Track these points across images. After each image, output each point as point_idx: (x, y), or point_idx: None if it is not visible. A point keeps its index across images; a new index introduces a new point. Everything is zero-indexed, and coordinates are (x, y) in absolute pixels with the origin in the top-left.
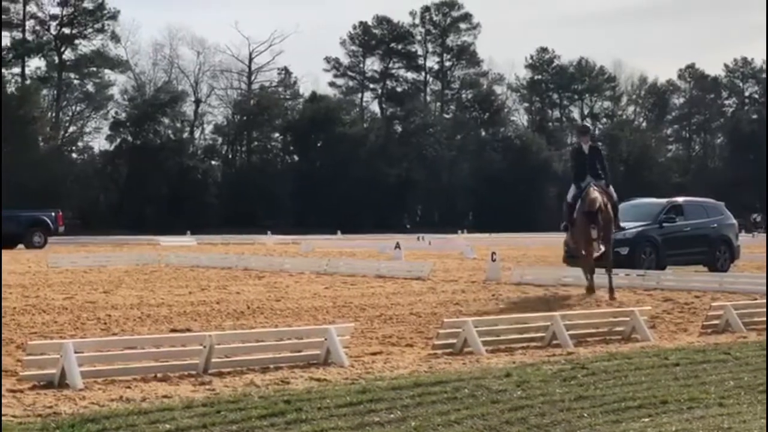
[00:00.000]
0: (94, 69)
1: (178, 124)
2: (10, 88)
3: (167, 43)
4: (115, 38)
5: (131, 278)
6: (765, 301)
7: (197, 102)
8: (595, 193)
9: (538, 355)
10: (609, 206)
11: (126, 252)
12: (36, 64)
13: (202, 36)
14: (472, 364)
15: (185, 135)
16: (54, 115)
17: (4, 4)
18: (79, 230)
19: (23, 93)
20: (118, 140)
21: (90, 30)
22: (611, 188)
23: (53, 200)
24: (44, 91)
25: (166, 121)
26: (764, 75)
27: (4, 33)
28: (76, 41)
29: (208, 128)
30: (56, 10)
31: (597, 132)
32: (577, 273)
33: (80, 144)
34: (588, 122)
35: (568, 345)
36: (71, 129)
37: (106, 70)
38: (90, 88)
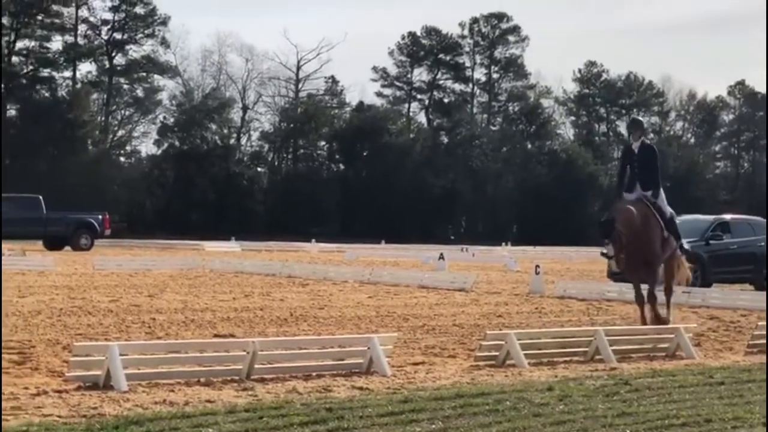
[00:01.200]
0: (144, 74)
1: (225, 131)
2: (61, 92)
3: (216, 50)
4: (165, 44)
5: (176, 282)
6: None
7: (245, 108)
8: (624, 206)
9: (580, 370)
10: (649, 221)
11: (171, 256)
12: (87, 68)
13: (251, 43)
14: (514, 376)
15: (232, 141)
16: (103, 119)
17: (56, 7)
18: (125, 233)
19: (74, 97)
20: (166, 145)
21: (140, 35)
22: (662, 198)
23: (100, 203)
24: (94, 95)
25: (214, 127)
26: None
27: (56, 37)
28: (127, 46)
29: (255, 135)
30: (108, 15)
31: None
32: (621, 288)
33: (128, 148)
34: (641, 118)
35: (611, 360)
36: (120, 133)
37: (156, 76)
38: (139, 92)
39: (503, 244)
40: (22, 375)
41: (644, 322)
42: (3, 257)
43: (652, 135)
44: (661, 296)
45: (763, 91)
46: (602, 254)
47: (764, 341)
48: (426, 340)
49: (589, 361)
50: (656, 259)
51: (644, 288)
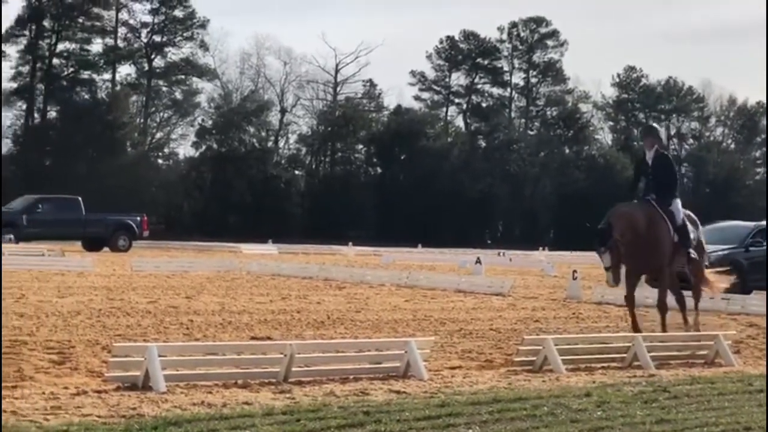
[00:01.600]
0: (183, 76)
1: (263, 133)
2: (101, 94)
3: (254, 53)
4: (203, 47)
5: (213, 284)
6: None
7: (282, 111)
8: (624, 209)
9: (618, 376)
10: (657, 224)
11: (208, 258)
12: (126, 70)
13: (289, 46)
14: (551, 382)
15: (270, 144)
16: (142, 121)
17: (96, 10)
18: (162, 235)
19: (113, 99)
20: (204, 147)
21: (179, 38)
22: (676, 205)
23: (138, 205)
24: (133, 98)
25: (252, 129)
26: None
27: (96, 40)
28: (166, 49)
29: (293, 138)
30: (147, 18)
31: (684, 153)
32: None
33: (166, 150)
34: (656, 125)
35: (649, 367)
36: (158, 135)
37: (194, 78)
38: (178, 95)
39: (540, 248)
40: (62, 375)
41: (636, 329)
42: (43, 257)
43: (692, 140)
44: (689, 301)
45: None
46: (604, 267)
47: None
48: (463, 345)
49: (627, 368)
50: (665, 264)
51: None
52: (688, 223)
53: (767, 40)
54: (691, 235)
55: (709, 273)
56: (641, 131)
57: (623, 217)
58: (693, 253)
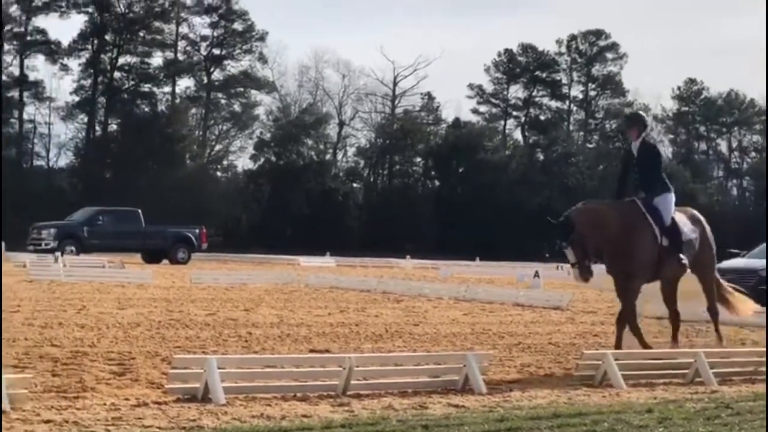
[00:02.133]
0: (241, 89)
1: (321, 146)
2: (161, 107)
3: (313, 66)
4: (262, 59)
5: (271, 297)
6: None
7: (341, 124)
8: (589, 205)
9: (680, 392)
10: (636, 225)
11: (266, 271)
12: (186, 83)
13: (348, 59)
14: (611, 397)
15: (328, 157)
16: (201, 133)
17: (157, 24)
18: (220, 247)
19: (173, 112)
20: (262, 160)
21: (238, 51)
22: (666, 202)
23: (198, 217)
24: (193, 110)
25: (310, 142)
26: None
27: (157, 53)
28: (225, 62)
29: (351, 150)
30: (207, 32)
31: (745, 166)
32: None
33: (225, 163)
34: (641, 112)
35: (711, 383)
36: (217, 148)
37: (253, 91)
38: (236, 107)
39: (598, 262)
40: (122, 386)
41: (618, 345)
42: (103, 269)
43: (754, 153)
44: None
45: None
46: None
47: None
48: (522, 359)
49: (689, 384)
50: (638, 270)
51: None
52: (685, 224)
53: (767, 40)
54: (691, 236)
55: (730, 292)
56: (625, 120)
57: (587, 212)
58: (683, 259)
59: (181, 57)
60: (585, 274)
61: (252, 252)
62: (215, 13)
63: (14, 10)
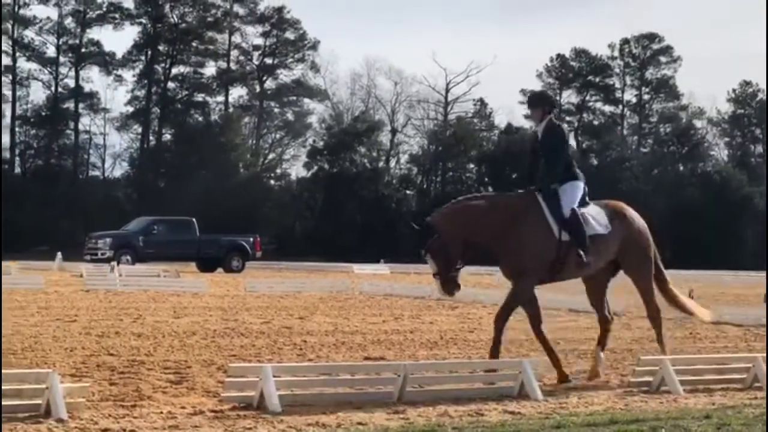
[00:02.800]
0: (294, 98)
1: (374, 153)
2: (214, 116)
3: (365, 73)
4: (314, 68)
5: (325, 305)
6: None
7: (393, 131)
8: (462, 204)
9: (738, 398)
10: (525, 220)
11: (320, 278)
12: (239, 92)
13: (400, 66)
14: (669, 403)
15: (381, 164)
16: (254, 142)
17: (210, 34)
18: (274, 255)
19: (226, 121)
20: (315, 168)
21: (291, 60)
22: (569, 191)
23: (251, 225)
24: (246, 119)
25: (363, 149)
26: None
27: (210, 63)
28: (278, 71)
29: (404, 158)
30: (259, 41)
31: None
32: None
33: (278, 171)
34: (547, 91)
35: None
36: (270, 156)
37: (305, 99)
38: (289, 116)
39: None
40: (179, 395)
41: (493, 354)
42: (159, 278)
43: None
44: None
45: None
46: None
47: None
48: (577, 365)
49: (747, 389)
50: (530, 268)
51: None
52: (597, 217)
53: (767, 40)
54: (601, 231)
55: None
56: (528, 100)
57: (452, 215)
58: (583, 257)
59: (233, 66)
60: (447, 287)
61: (306, 260)
62: (267, 22)
63: (69, 22)
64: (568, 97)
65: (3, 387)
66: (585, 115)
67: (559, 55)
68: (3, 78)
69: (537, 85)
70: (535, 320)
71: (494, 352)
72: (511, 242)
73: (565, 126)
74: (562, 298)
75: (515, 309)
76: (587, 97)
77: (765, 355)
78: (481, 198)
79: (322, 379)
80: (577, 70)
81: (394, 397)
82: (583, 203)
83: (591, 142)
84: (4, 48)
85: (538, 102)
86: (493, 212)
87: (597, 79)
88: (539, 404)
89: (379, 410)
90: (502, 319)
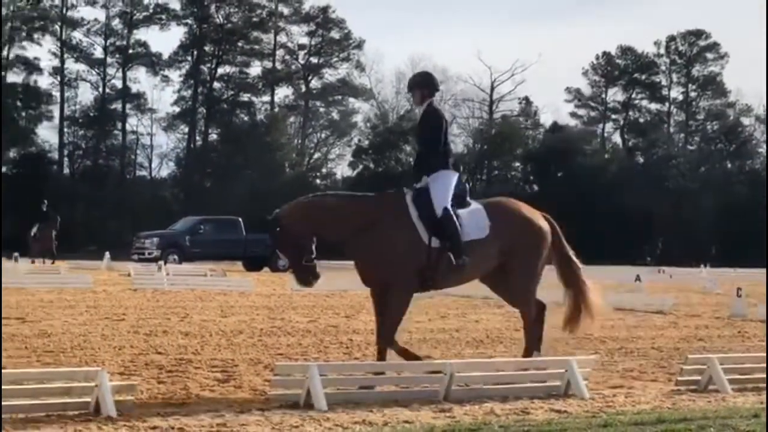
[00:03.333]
0: (339, 97)
1: None
2: (259, 116)
3: (410, 72)
4: (359, 67)
5: (371, 303)
6: None
7: None
8: (311, 198)
9: None
10: (386, 220)
11: None
12: (284, 92)
13: (445, 65)
14: (717, 402)
15: None
16: (300, 142)
17: (255, 34)
18: (319, 254)
19: (271, 120)
20: (360, 167)
21: (336, 59)
22: (438, 186)
23: None
24: (291, 119)
25: (408, 148)
26: None
27: (255, 63)
28: (323, 70)
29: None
30: (304, 40)
31: None
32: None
33: (324, 170)
34: (429, 72)
35: None
36: (316, 156)
37: (351, 99)
38: (335, 115)
39: (702, 265)
40: (226, 393)
41: (380, 357)
42: (205, 277)
43: None
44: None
45: None
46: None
47: None
48: (624, 363)
49: None
50: (397, 279)
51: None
52: (476, 217)
53: (767, 41)
54: (476, 236)
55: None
56: (408, 82)
57: (302, 207)
58: (454, 261)
59: (279, 66)
60: (302, 277)
61: (351, 259)
62: (313, 22)
63: (117, 23)
64: (614, 95)
65: (53, 385)
66: (631, 112)
67: (605, 53)
68: (53, 79)
69: (582, 83)
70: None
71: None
72: (370, 249)
73: (443, 111)
74: (611, 297)
75: (398, 324)
76: (633, 95)
77: None
78: (334, 196)
79: (369, 377)
80: (623, 68)
81: (440, 395)
82: (461, 203)
83: (637, 140)
84: (53, 50)
85: (417, 84)
86: (341, 213)
87: (643, 77)
88: (586, 403)
89: (425, 408)
90: (389, 341)
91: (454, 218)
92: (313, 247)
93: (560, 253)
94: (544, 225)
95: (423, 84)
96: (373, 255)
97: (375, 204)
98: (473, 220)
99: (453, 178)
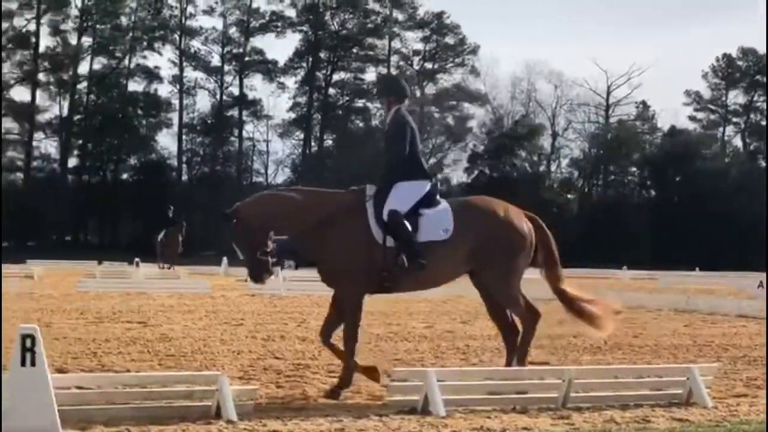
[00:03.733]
0: (454, 102)
1: (535, 157)
2: (374, 122)
3: (525, 77)
4: (474, 72)
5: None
6: None
7: (554, 135)
8: (272, 192)
9: None
10: (337, 220)
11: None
12: None
13: (560, 69)
14: None
15: (542, 168)
16: None
17: (370, 40)
18: None
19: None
20: (476, 172)
21: (451, 64)
22: (399, 191)
23: None
24: None
25: (523, 154)
26: None
27: (370, 69)
28: (438, 75)
29: (565, 162)
30: (419, 46)
31: None
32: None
33: (439, 176)
34: (396, 77)
35: None
36: (431, 161)
37: (466, 104)
38: (450, 121)
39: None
40: (344, 398)
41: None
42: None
43: None
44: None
45: None
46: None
47: None
48: (748, 372)
49: None
50: (345, 279)
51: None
52: (439, 216)
53: (767, 40)
54: (436, 237)
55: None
56: (376, 88)
57: (259, 201)
58: (406, 262)
59: (393, 72)
60: (255, 271)
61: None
62: (427, 27)
63: (233, 32)
64: (735, 98)
65: (175, 388)
66: (752, 115)
67: (725, 55)
68: (172, 87)
69: (702, 86)
70: (348, 337)
71: (357, 371)
72: (324, 245)
73: (409, 118)
74: (731, 304)
75: (358, 324)
76: (755, 98)
77: None
78: (296, 191)
79: (486, 383)
80: (744, 70)
81: (559, 402)
82: (429, 203)
83: (759, 144)
84: (172, 58)
85: (384, 91)
86: (298, 207)
87: (765, 79)
88: (708, 411)
89: (543, 415)
90: (351, 340)
91: (401, 220)
92: (269, 242)
93: (546, 256)
94: (522, 225)
95: (387, 91)
96: (325, 251)
97: (333, 200)
98: (434, 221)
99: (418, 185)
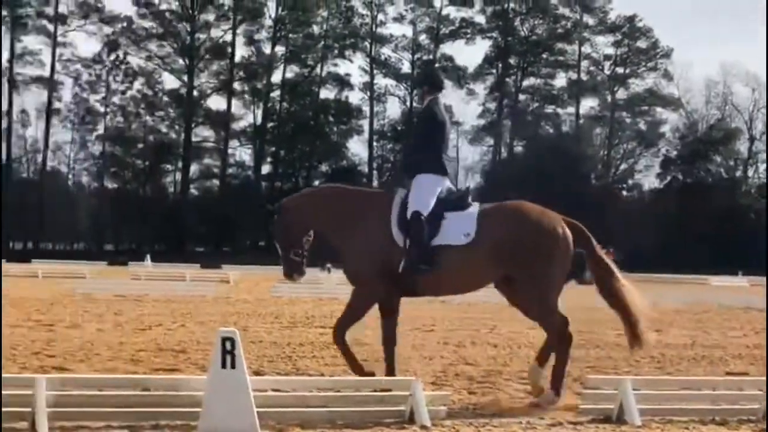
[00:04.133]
0: (646, 107)
1: (731, 162)
2: (565, 127)
3: (721, 80)
4: (667, 76)
5: (682, 317)
6: None
7: (751, 139)
8: (320, 188)
9: None
10: (360, 217)
11: (674, 290)
12: (589, 103)
13: (756, 72)
14: None
15: (738, 173)
16: (606, 153)
17: (560, 46)
18: (624, 267)
19: (577, 132)
20: (669, 178)
21: (643, 69)
22: (422, 186)
23: (600, 236)
24: (597, 130)
25: (718, 159)
26: None
27: (560, 74)
28: (629, 80)
29: (762, 167)
30: (610, 51)
31: None
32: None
33: (630, 182)
34: (435, 68)
35: None
36: (622, 167)
37: (658, 108)
38: (641, 126)
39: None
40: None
41: (356, 371)
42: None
43: None
44: None
45: None
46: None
47: None
48: None
49: None
50: (360, 276)
51: None
52: (462, 219)
53: (767, 41)
54: (456, 242)
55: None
56: (415, 80)
57: (305, 197)
58: (404, 264)
59: (584, 77)
60: (287, 269)
61: (653, 272)
62: (618, 31)
63: (423, 39)
64: None
65: (370, 393)
66: None
67: None
68: (362, 94)
69: None
70: (388, 343)
71: (355, 370)
72: (349, 242)
73: (441, 111)
74: None
75: (353, 323)
76: None
77: None
78: (337, 188)
79: (683, 393)
80: None
81: (760, 413)
82: (459, 206)
83: None
84: (363, 66)
85: (417, 81)
86: (336, 204)
87: None
88: None
89: (744, 427)
90: (338, 335)
91: (422, 222)
92: (304, 242)
93: (594, 262)
94: (555, 229)
95: (422, 81)
96: (348, 249)
97: (364, 200)
98: (456, 225)
99: (437, 180)
